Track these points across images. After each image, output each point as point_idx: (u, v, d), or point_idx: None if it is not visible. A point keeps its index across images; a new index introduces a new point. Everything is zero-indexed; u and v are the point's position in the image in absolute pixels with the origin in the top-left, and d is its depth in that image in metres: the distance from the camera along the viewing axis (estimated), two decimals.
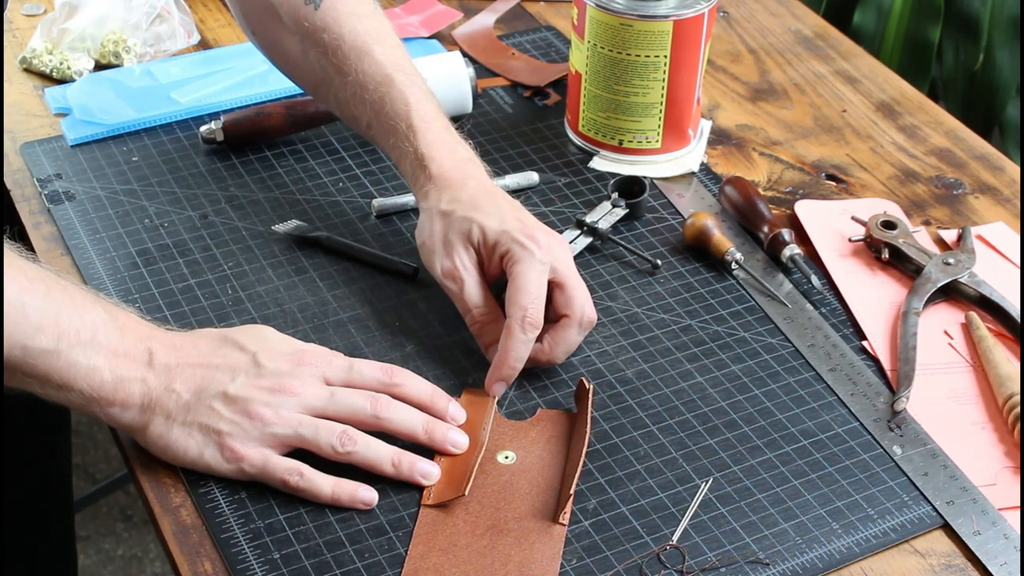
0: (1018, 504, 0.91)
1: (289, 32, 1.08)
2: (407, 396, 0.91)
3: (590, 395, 0.94)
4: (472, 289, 0.98)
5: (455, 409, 0.93)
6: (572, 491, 0.87)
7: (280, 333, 0.93)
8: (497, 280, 1.00)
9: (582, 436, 0.91)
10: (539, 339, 0.96)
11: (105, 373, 0.86)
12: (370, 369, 0.92)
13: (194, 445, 0.88)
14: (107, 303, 0.89)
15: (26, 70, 1.30)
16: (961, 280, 1.06)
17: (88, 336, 0.86)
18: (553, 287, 0.97)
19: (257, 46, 1.15)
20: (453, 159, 1.02)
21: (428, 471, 0.89)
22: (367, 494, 0.88)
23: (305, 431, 0.88)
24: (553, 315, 0.97)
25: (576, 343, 0.98)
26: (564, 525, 0.87)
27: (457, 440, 0.91)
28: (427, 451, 0.91)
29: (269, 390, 0.88)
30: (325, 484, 0.87)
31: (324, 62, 1.06)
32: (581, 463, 0.89)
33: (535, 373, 0.99)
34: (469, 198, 0.99)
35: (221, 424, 0.87)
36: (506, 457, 0.92)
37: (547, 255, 0.96)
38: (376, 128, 1.05)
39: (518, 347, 0.94)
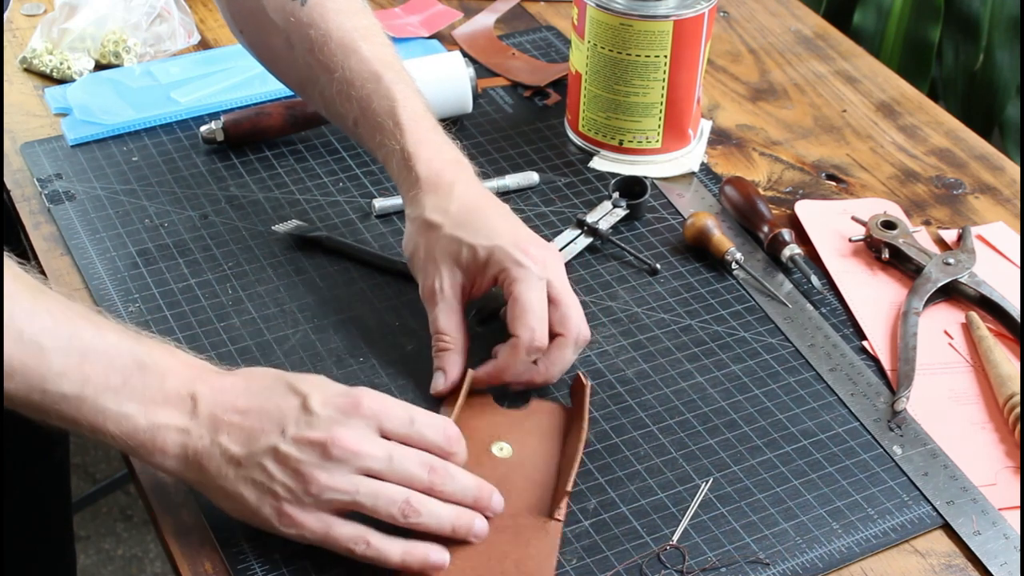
0: (1018, 504, 0.91)
1: (276, 28, 1.07)
2: (456, 479, 0.85)
3: (587, 391, 0.94)
4: (443, 315, 0.96)
5: (497, 502, 0.86)
6: (570, 488, 0.87)
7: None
8: (483, 295, 0.98)
9: (579, 432, 0.91)
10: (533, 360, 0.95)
11: (139, 419, 0.81)
12: (432, 431, 0.85)
13: (250, 504, 0.82)
14: (149, 342, 0.84)
15: (26, 70, 1.30)
16: (961, 280, 1.06)
17: (118, 381, 0.81)
18: (547, 303, 0.95)
19: (244, 44, 1.14)
20: (440, 159, 1.00)
21: (483, 530, 0.85)
22: (439, 556, 0.83)
23: (364, 499, 0.81)
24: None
25: (571, 361, 0.96)
26: (560, 521, 0.87)
27: (482, 534, 0.85)
28: None
29: (321, 448, 0.81)
30: (394, 551, 0.82)
31: (310, 59, 1.05)
32: (578, 460, 0.89)
33: None
34: (457, 209, 0.97)
35: (275, 487, 0.81)
36: (500, 449, 0.91)
37: (544, 270, 0.94)
38: (363, 126, 1.04)
39: (519, 367, 0.93)
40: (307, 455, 0.81)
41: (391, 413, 0.84)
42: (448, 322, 0.95)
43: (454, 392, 0.95)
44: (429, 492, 0.83)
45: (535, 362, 0.94)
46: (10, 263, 0.81)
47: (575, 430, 0.92)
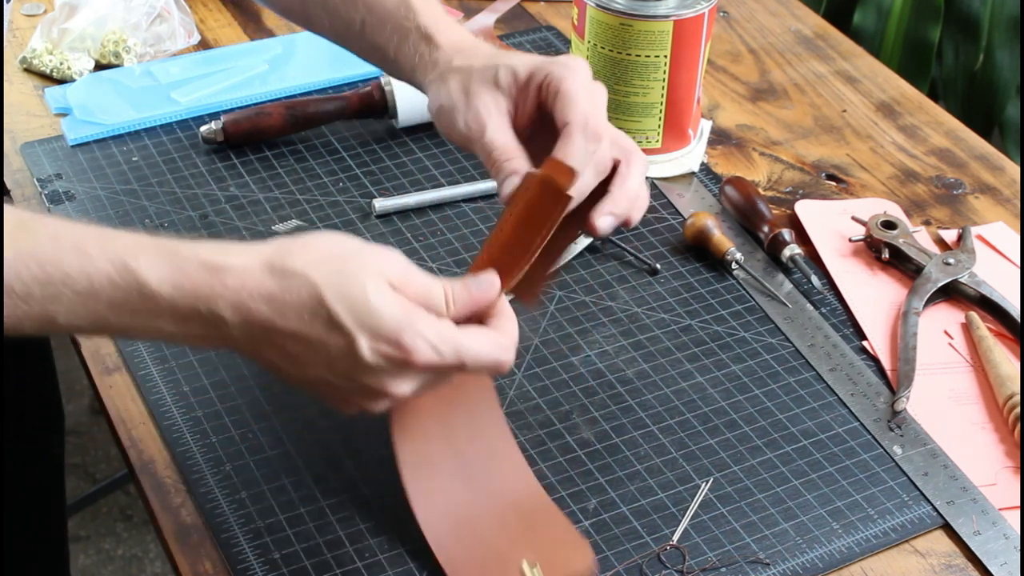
0: (1018, 504, 0.91)
1: None
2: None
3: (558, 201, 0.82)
4: (497, 130, 0.86)
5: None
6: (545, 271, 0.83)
7: (382, 283, 0.75)
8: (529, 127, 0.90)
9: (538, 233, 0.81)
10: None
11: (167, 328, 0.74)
12: (483, 362, 0.78)
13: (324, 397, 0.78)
14: (134, 253, 0.73)
15: (26, 70, 1.30)
16: (961, 280, 1.06)
17: (127, 319, 0.73)
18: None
19: None
20: (459, 32, 0.94)
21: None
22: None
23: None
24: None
25: (586, 157, 0.85)
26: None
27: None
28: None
29: (367, 392, 0.77)
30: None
31: None
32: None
33: (535, 373, 0.99)
34: (486, 53, 0.90)
35: (328, 400, 0.78)
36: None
37: (588, 74, 0.88)
38: (370, 23, 0.96)
39: (578, 152, 0.83)
40: (355, 394, 0.77)
41: (444, 365, 0.76)
42: (506, 136, 0.86)
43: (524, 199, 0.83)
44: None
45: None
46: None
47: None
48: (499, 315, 0.80)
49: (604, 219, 0.84)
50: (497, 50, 0.91)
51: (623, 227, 0.86)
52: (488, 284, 0.79)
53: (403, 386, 0.76)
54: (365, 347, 0.74)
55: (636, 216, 0.87)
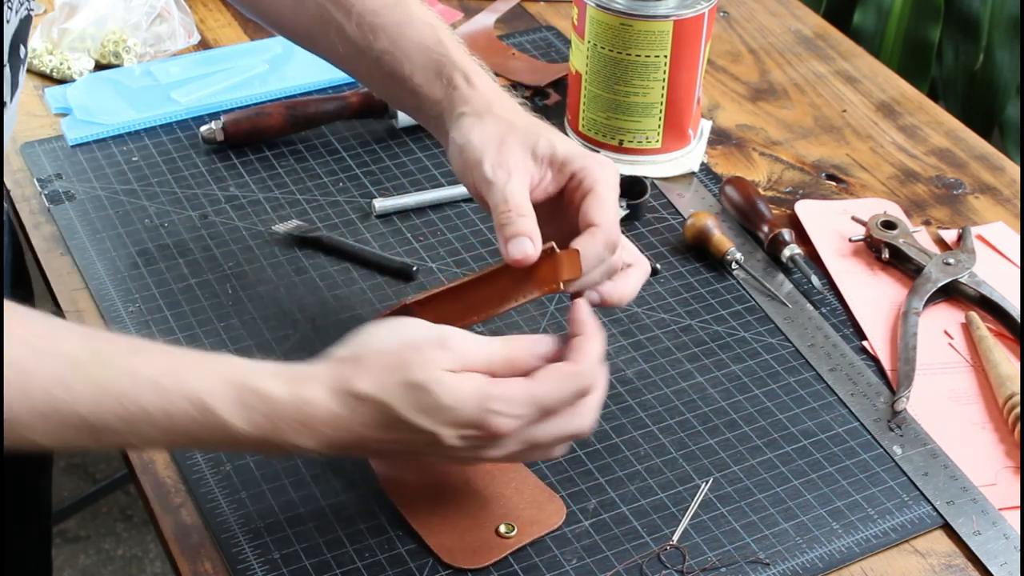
0: (1018, 504, 0.91)
1: None
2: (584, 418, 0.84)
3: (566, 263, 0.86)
4: (519, 186, 0.87)
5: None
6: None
7: (444, 377, 0.78)
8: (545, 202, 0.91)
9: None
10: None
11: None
12: (566, 399, 0.81)
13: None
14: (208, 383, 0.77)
15: (26, 70, 1.30)
16: (961, 280, 1.06)
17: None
18: None
19: (238, 4, 1.08)
20: (494, 81, 0.95)
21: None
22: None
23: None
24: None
25: (599, 260, 0.88)
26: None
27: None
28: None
29: (470, 460, 0.84)
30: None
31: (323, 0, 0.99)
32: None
33: None
34: (527, 117, 0.92)
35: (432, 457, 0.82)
36: None
37: (617, 179, 0.90)
38: (390, 53, 0.96)
39: (596, 254, 0.86)
40: (465, 460, 0.84)
41: (531, 422, 0.80)
42: (523, 194, 0.87)
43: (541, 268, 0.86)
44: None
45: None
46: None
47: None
48: (573, 345, 0.83)
49: (591, 295, 0.88)
50: (534, 117, 0.93)
51: (598, 304, 0.90)
52: (533, 350, 0.82)
53: (503, 450, 0.80)
54: (451, 437, 0.79)
55: (618, 304, 0.91)
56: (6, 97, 0.86)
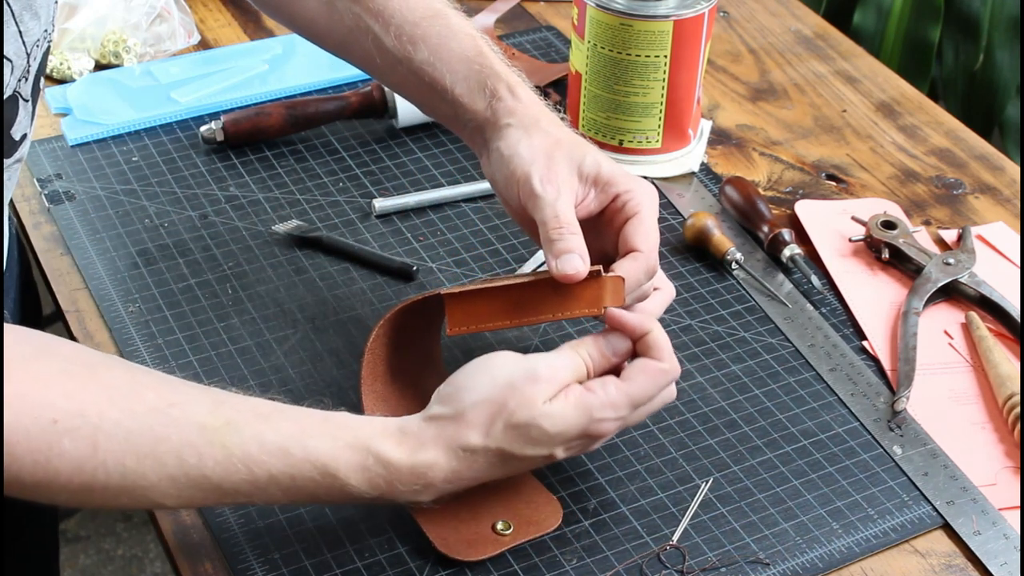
0: (1018, 504, 0.91)
1: None
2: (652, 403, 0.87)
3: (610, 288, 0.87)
4: (567, 203, 0.89)
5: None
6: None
7: (545, 408, 0.82)
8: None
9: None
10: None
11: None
12: (651, 392, 0.86)
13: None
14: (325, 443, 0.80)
15: None
16: (961, 280, 1.06)
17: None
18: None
19: (267, 9, 1.07)
20: (534, 96, 0.95)
21: None
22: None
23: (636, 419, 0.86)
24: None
25: (642, 283, 0.91)
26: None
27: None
28: None
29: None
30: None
31: (357, 8, 0.99)
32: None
33: None
34: (571, 135, 0.92)
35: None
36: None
37: (658, 203, 0.92)
38: (429, 63, 0.96)
39: (636, 279, 0.89)
40: (572, 454, 0.85)
41: (629, 419, 0.85)
42: (572, 212, 0.89)
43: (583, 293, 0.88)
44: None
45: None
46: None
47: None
48: (650, 342, 0.86)
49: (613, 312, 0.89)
50: (576, 135, 0.93)
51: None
52: (621, 345, 0.86)
53: (603, 442, 0.86)
54: (562, 452, 0.83)
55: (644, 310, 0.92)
56: (26, 128, 0.87)
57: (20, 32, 0.81)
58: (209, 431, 0.77)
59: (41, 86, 0.89)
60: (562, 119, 0.95)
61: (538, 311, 0.87)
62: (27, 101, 0.85)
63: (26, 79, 0.83)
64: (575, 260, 0.86)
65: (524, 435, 0.81)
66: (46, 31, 0.84)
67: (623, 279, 0.87)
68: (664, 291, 0.94)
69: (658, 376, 0.84)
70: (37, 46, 0.84)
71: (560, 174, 0.89)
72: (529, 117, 0.93)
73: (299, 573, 0.84)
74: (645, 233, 0.89)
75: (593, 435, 0.83)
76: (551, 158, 0.90)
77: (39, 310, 1.22)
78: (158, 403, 0.77)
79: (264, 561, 0.84)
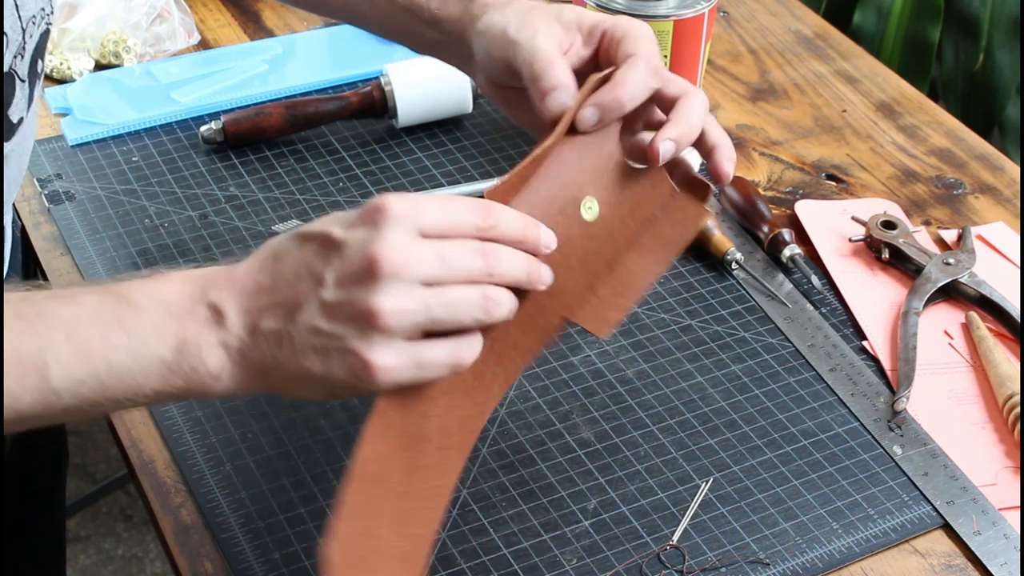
0: (1018, 504, 0.91)
1: None
2: (504, 237, 0.73)
3: (708, 195, 0.81)
4: (544, 41, 0.82)
5: (547, 237, 0.75)
6: (629, 302, 0.77)
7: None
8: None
9: (677, 236, 0.79)
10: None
11: (168, 360, 0.70)
12: (465, 213, 0.72)
13: (319, 376, 0.70)
14: (129, 282, 0.72)
15: None
16: (961, 280, 1.06)
17: (122, 337, 0.70)
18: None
19: None
20: None
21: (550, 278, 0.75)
22: (546, 275, 0.74)
23: (439, 310, 0.70)
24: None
25: (646, 85, 0.81)
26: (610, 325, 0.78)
27: (547, 279, 0.75)
28: None
29: (368, 273, 0.68)
30: (504, 307, 0.72)
31: None
32: (654, 272, 0.79)
33: (535, 373, 0.99)
34: (551, 5, 0.86)
35: (339, 342, 0.69)
36: (589, 208, 0.77)
37: (654, 38, 0.84)
38: None
39: (636, 84, 0.80)
40: (358, 290, 0.69)
41: (422, 206, 0.71)
42: (550, 48, 0.82)
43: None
44: (488, 281, 0.72)
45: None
46: None
47: (670, 230, 0.79)
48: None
49: (665, 143, 0.80)
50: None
51: (715, 183, 0.84)
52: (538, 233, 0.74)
53: (392, 243, 0.69)
54: (338, 230, 0.70)
55: (722, 160, 0.83)
56: (23, 111, 0.86)
57: (16, 5, 0.80)
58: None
59: (39, 71, 0.88)
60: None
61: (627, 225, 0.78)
62: (24, 82, 0.84)
63: (21, 56, 0.82)
64: (560, 96, 0.80)
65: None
66: (43, 9, 0.83)
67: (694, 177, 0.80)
68: (689, 95, 0.82)
69: (524, 220, 0.73)
70: (33, 23, 0.83)
71: (537, 22, 0.83)
72: (498, 2, 0.86)
73: (299, 573, 0.84)
74: (634, 42, 0.81)
75: (378, 206, 0.69)
76: (525, 15, 0.84)
77: None
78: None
79: (264, 561, 0.85)
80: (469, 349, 0.72)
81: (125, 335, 0.70)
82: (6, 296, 0.71)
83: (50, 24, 0.87)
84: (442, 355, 0.71)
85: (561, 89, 0.80)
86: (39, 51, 0.86)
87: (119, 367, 0.70)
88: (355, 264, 0.69)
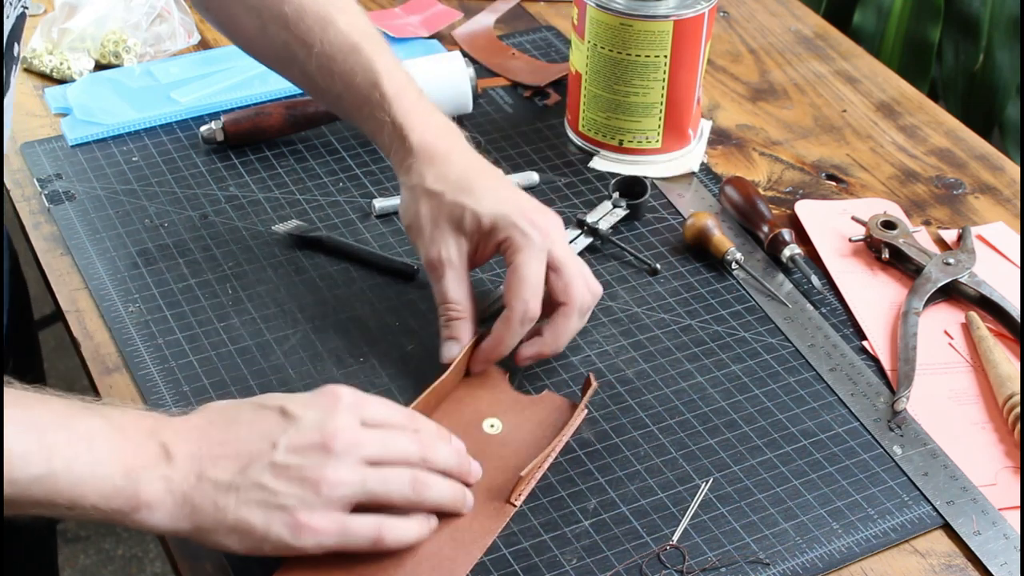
0: (1018, 504, 0.91)
1: (245, 8, 1.05)
2: (431, 438, 0.85)
3: (589, 392, 0.94)
4: (452, 283, 0.96)
5: (476, 469, 0.87)
6: (524, 473, 0.87)
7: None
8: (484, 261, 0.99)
9: (565, 424, 0.92)
10: (539, 332, 0.96)
11: (116, 479, 0.76)
12: (398, 413, 0.85)
13: (257, 529, 0.78)
14: (99, 407, 0.79)
15: (26, 70, 1.30)
16: (961, 280, 1.06)
17: (84, 448, 0.76)
18: (548, 271, 0.95)
19: (212, 22, 1.11)
20: (433, 128, 1.00)
21: (471, 503, 0.87)
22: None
23: (375, 485, 0.80)
24: (550, 301, 0.96)
25: (577, 329, 0.97)
26: (514, 506, 0.88)
27: (476, 473, 0.88)
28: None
29: (321, 447, 0.79)
30: (411, 526, 0.83)
31: (286, 36, 1.03)
32: (551, 450, 0.90)
33: (534, 372, 0.99)
34: (457, 176, 0.97)
35: (282, 499, 0.78)
36: (491, 426, 0.93)
37: (545, 240, 0.95)
38: (348, 100, 1.03)
39: (513, 338, 0.95)
40: (308, 458, 0.79)
41: (366, 401, 0.84)
42: (458, 291, 0.96)
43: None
44: (424, 464, 0.83)
45: (541, 334, 0.96)
46: None
47: (564, 422, 0.93)
48: None
49: (530, 352, 0.96)
50: (468, 170, 0.98)
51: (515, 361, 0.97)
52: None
53: (344, 424, 0.81)
54: (296, 407, 0.81)
55: (530, 347, 0.97)
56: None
57: None
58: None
59: (16, 55, 0.89)
60: (468, 138, 1.01)
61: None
62: None
63: None
64: (453, 348, 0.95)
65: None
66: None
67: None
68: (564, 312, 0.96)
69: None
70: (10, 3, 0.83)
71: (444, 246, 0.96)
72: (416, 175, 0.98)
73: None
74: (516, 285, 0.93)
75: (331, 393, 0.83)
76: (436, 226, 0.96)
77: (30, 315, 1.22)
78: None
79: (264, 561, 0.84)
80: (393, 531, 0.81)
81: (87, 447, 0.76)
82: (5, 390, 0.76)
83: (26, 7, 0.88)
84: (366, 528, 0.80)
85: (451, 340, 0.96)
86: (15, 34, 0.86)
87: (76, 475, 0.75)
88: (308, 437, 0.79)
